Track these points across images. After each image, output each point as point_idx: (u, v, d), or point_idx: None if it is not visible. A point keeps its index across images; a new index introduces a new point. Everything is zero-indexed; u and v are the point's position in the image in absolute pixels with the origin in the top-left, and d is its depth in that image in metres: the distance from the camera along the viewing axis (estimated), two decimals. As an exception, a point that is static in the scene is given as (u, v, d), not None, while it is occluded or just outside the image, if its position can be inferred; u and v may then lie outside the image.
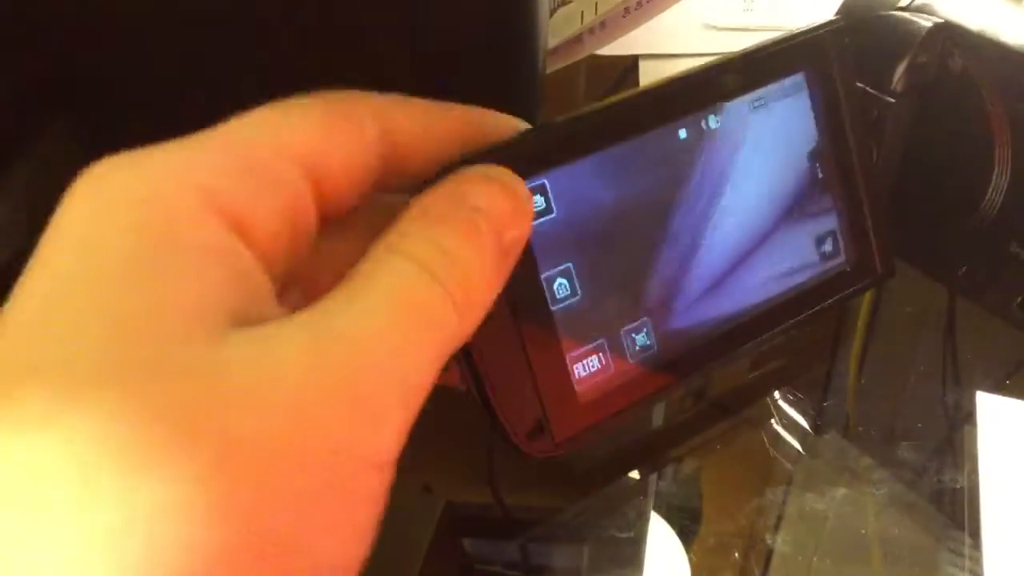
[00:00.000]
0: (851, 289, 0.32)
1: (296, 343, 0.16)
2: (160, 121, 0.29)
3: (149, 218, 0.16)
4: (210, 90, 0.27)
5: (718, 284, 0.30)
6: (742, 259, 0.30)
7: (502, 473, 0.42)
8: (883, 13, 0.38)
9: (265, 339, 0.16)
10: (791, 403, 0.45)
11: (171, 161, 0.17)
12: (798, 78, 0.30)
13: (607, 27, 0.48)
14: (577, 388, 0.27)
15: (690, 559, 0.41)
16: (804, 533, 0.40)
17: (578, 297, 0.27)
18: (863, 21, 0.38)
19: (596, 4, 0.47)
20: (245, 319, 0.16)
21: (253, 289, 0.17)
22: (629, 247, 0.28)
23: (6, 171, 0.27)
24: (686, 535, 0.42)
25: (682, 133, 0.28)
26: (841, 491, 0.41)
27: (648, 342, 0.28)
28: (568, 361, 0.27)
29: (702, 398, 0.47)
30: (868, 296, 0.47)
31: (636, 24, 0.49)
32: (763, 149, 0.30)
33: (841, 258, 0.32)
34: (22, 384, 0.14)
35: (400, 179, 0.21)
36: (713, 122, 0.29)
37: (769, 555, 0.40)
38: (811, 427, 0.45)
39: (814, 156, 0.31)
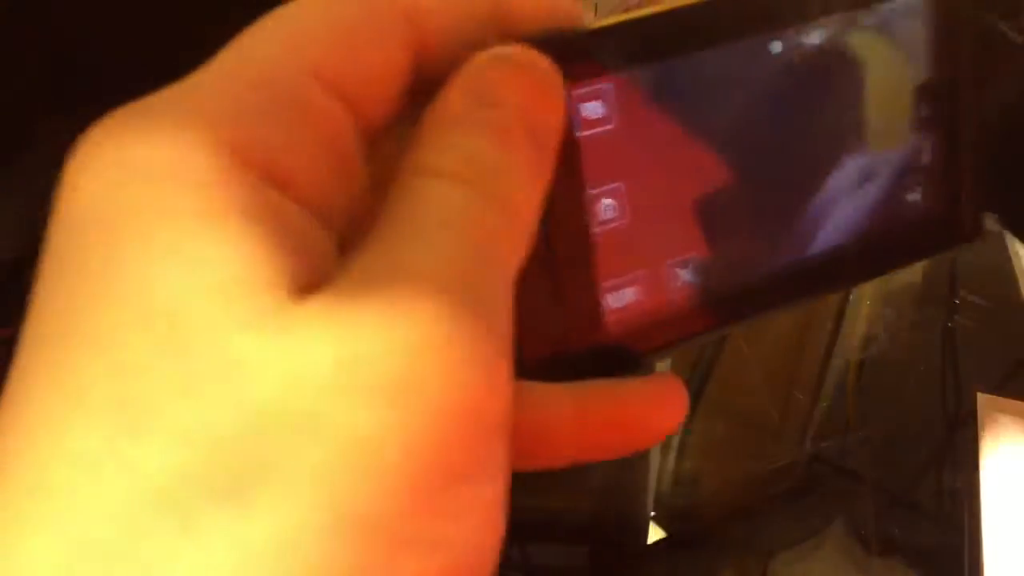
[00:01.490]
0: (931, 246, 0.29)
1: (369, 309, 0.13)
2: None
3: (168, 196, 0.13)
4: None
5: (783, 225, 0.27)
6: (814, 201, 0.27)
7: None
8: None
9: (333, 312, 0.13)
10: (791, 402, 0.45)
11: (179, 115, 0.14)
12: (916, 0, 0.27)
13: (607, 27, 0.48)
14: (608, 319, 0.25)
15: (690, 556, 0.41)
16: (805, 532, 0.40)
17: (625, 221, 0.24)
18: None
19: (596, 4, 0.47)
20: (308, 286, 0.13)
21: (310, 249, 0.14)
22: (691, 173, 0.25)
23: (6, 171, 0.27)
24: (686, 535, 0.42)
25: (775, 47, 0.25)
26: (842, 492, 0.41)
27: (693, 279, 0.26)
28: (601, 289, 0.25)
29: (702, 396, 0.47)
30: (869, 291, 0.47)
31: (636, 24, 0.49)
32: (862, 78, 0.27)
33: (926, 212, 0.29)
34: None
35: (430, 79, 0.17)
36: (815, 38, 0.26)
37: (769, 555, 0.40)
38: (811, 425, 0.45)
39: (918, 94, 0.28)
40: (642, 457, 0.44)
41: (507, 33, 0.18)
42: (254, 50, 0.15)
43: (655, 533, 0.41)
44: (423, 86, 0.17)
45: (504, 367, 0.14)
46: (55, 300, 0.13)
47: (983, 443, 0.40)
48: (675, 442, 0.45)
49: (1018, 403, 0.41)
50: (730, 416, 0.46)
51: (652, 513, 0.42)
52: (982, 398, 0.41)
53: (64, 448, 0.12)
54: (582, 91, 0.21)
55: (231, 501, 0.12)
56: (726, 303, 0.28)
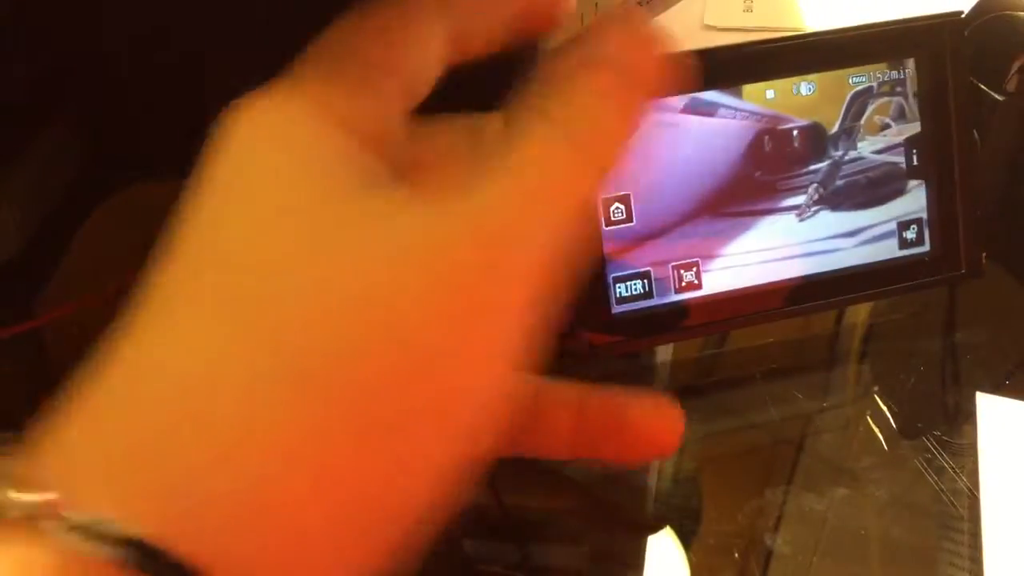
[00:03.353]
0: (928, 280, 0.31)
1: (431, 210, 0.17)
2: (160, 119, 0.29)
3: (296, 157, 0.18)
4: (210, 86, 0.27)
5: (782, 244, 0.29)
6: (814, 228, 0.29)
7: (502, 473, 0.42)
8: (1004, 12, 0.37)
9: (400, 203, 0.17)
10: (792, 405, 0.45)
11: (308, 99, 0.19)
12: (908, 62, 0.29)
13: (607, 27, 0.48)
14: (615, 306, 0.28)
15: (690, 559, 0.41)
16: (804, 533, 0.40)
17: (632, 224, 0.27)
18: (984, 17, 0.37)
19: (596, 4, 0.47)
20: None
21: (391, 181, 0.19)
22: (695, 192, 0.28)
23: (6, 171, 0.27)
24: (686, 535, 0.42)
25: (769, 94, 0.28)
26: (841, 491, 0.41)
27: (696, 281, 0.28)
28: (611, 280, 0.28)
29: (703, 394, 0.47)
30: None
31: (636, 25, 0.49)
32: (854, 125, 0.29)
33: (924, 247, 0.31)
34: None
35: (462, 55, 0.22)
36: (805, 89, 0.29)
37: (769, 555, 0.40)
38: (811, 428, 0.45)
39: (912, 142, 0.30)
40: (642, 457, 0.44)
41: (529, 32, 0.22)
42: (357, 47, 0.20)
43: (655, 533, 0.42)
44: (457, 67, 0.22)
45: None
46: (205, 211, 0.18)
47: (983, 443, 0.40)
48: (675, 442, 0.45)
49: (1018, 403, 0.41)
50: (730, 416, 0.46)
51: (652, 513, 0.42)
52: (982, 398, 0.41)
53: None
54: None
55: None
56: (727, 306, 0.29)
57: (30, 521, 0.14)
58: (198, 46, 0.27)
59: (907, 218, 0.32)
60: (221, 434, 0.15)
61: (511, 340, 0.18)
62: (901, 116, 0.31)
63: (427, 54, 0.21)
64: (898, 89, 0.31)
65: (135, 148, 0.30)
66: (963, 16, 0.30)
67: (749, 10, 0.56)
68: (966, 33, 0.30)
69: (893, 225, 0.32)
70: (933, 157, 0.31)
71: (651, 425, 0.24)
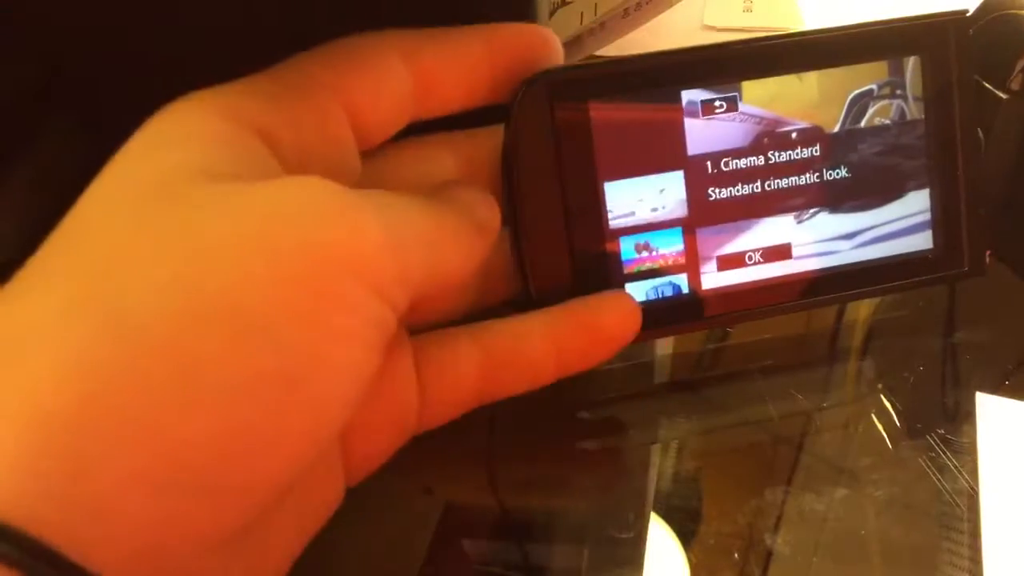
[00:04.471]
0: (931, 277, 0.32)
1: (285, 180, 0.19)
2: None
3: (174, 145, 0.20)
4: (210, 81, 0.27)
5: (789, 240, 0.30)
6: (814, 229, 0.30)
7: (502, 473, 0.42)
8: (1010, 11, 0.37)
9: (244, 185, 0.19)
10: (792, 403, 0.45)
11: (215, 99, 0.21)
12: (913, 60, 0.30)
13: (607, 28, 0.48)
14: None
15: (690, 559, 0.41)
16: (804, 533, 0.40)
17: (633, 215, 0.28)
18: (989, 16, 0.37)
19: (596, 5, 0.47)
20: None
21: (261, 165, 0.20)
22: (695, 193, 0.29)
23: (6, 171, 0.27)
24: (686, 535, 0.42)
25: (769, 92, 0.28)
26: (841, 491, 0.41)
27: (698, 276, 0.29)
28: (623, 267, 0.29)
29: (702, 393, 0.47)
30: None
31: (636, 25, 0.49)
32: (861, 123, 0.30)
33: (928, 245, 0.31)
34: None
35: (436, 104, 0.24)
36: (806, 88, 0.29)
37: (769, 555, 0.40)
38: (811, 426, 0.45)
39: (917, 139, 0.30)
40: (642, 457, 0.44)
41: (497, 68, 0.24)
42: (299, 63, 0.22)
43: (655, 533, 0.41)
44: (431, 110, 0.24)
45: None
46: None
47: (983, 443, 0.40)
48: (675, 442, 0.45)
49: (1018, 403, 0.41)
50: (730, 416, 0.46)
51: (652, 513, 0.42)
52: (982, 398, 0.41)
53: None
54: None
55: None
56: (734, 297, 0.29)
57: None
58: (198, 46, 0.27)
59: (910, 216, 0.32)
60: (45, 397, 0.15)
61: (349, 307, 0.18)
62: (903, 116, 0.31)
63: (384, 86, 0.22)
64: (898, 91, 0.31)
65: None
66: (968, 15, 0.30)
67: (749, 10, 0.56)
68: (971, 32, 0.30)
69: (896, 223, 0.32)
70: (937, 155, 0.31)
71: (615, 319, 0.26)
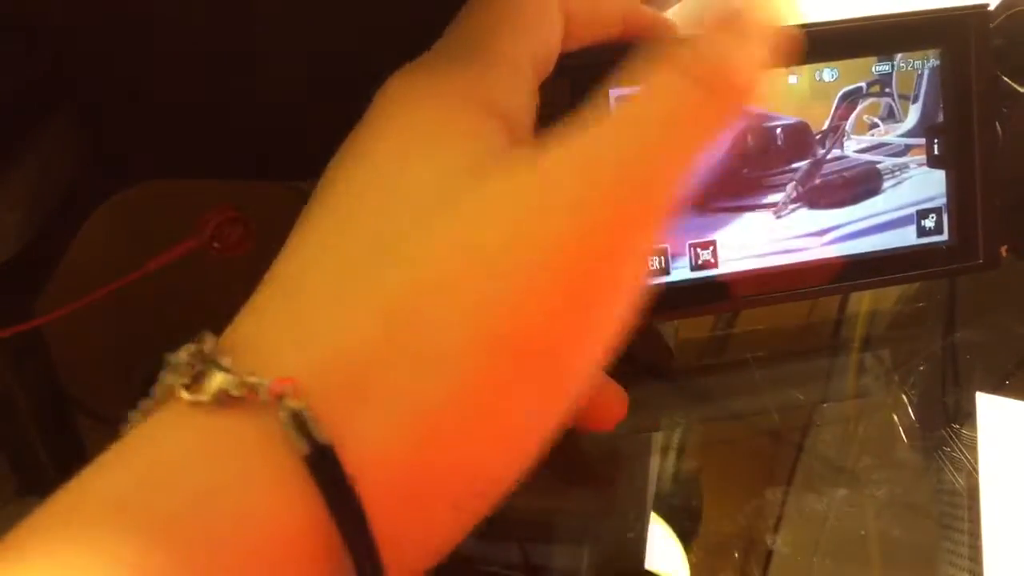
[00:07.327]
0: (945, 268, 0.32)
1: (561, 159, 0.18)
2: (160, 117, 0.29)
3: (436, 139, 0.19)
4: (209, 81, 0.27)
5: (800, 228, 0.30)
6: (833, 211, 0.30)
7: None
8: None
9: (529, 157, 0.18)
10: (792, 402, 0.45)
11: (451, 84, 0.20)
12: (933, 52, 0.30)
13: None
14: None
15: (690, 559, 0.41)
16: (804, 533, 0.40)
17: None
18: (1010, 11, 0.37)
19: None
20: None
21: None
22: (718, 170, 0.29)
23: (6, 170, 0.27)
24: (686, 535, 0.42)
25: (791, 79, 0.28)
26: (841, 491, 0.41)
27: (711, 259, 0.29)
28: None
29: (703, 396, 0.47)
30: (868, 296, 0.47)
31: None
32: (849, 120, 0.30)
33: (943, 236, 0.31)
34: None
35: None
36: (828, 75, 0.29)
37: (769, 555, 0.40)
38: (811, 427, 0.45)
39: (933, 131, 0.30)
40: (642, 457, 0.44)
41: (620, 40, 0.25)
42: (505, 39, 0.22)
43: (655, 533, 0.42)
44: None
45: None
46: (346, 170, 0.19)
47: (983, 443, 0.40)
48: (675, 442, 0.45)
49: (1018, 403, 0.41)
50: (730, 415, 0.46)
51: (652, 513, 0.42)
52: (982, 398, 0.41)
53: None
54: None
55: None
56: (740, 285, 0.29)
57: (241, 402, 0.15)
58: (198, 46, 0.27)
59: (927, 207, 0.32)
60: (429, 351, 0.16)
61: (633, 271, 0.18)
62: (891, 114, 0.31)
63: (550, 38, 0.23)
64: (887, 90, 0.31)
65: (135, 148, 0.30)
66: (988, 8, 0.30)
67: (749, 10, 0.56)
68: (991, 26, 0.30)
69: (912, 213, 0.32)
70: (955, 147, 0.31)
71: (610, 407, 0.26)
